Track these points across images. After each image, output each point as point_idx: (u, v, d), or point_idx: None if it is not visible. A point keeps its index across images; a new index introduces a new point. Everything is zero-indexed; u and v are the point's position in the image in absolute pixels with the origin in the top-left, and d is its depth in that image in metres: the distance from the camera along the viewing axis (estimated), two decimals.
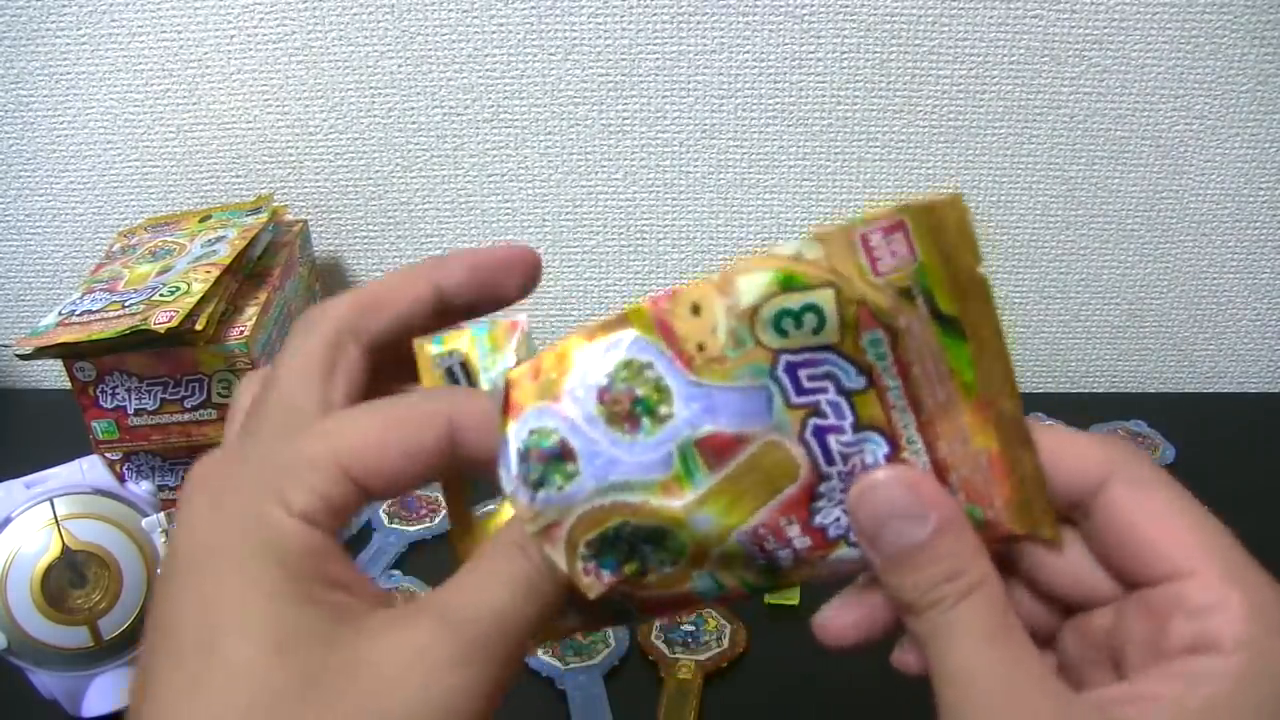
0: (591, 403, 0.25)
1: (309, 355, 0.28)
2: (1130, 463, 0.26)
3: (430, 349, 0.28)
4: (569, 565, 0.25)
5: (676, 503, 0.25)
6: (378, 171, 0.72)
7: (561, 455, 0.25)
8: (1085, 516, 0.26)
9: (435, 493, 0.64)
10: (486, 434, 0.26)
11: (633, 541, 0.25)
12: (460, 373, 0.28)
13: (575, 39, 0.68)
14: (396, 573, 0.58)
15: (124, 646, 0.48)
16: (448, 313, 0.30)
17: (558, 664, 0.51)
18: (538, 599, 0.25)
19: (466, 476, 0.29)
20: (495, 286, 0.30)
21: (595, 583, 0.25)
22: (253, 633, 0.23)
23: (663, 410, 0.25)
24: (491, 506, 0.29)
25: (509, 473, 0.25)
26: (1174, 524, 0.25)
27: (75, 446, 0.55)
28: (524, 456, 0.25)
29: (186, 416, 0.59)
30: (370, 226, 0.74)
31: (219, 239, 0.63)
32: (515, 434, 0.25)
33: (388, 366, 0.29)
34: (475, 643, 0.24)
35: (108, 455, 0.59)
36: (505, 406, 0.26)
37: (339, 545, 0.25)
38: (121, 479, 0.51)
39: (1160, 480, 0.26)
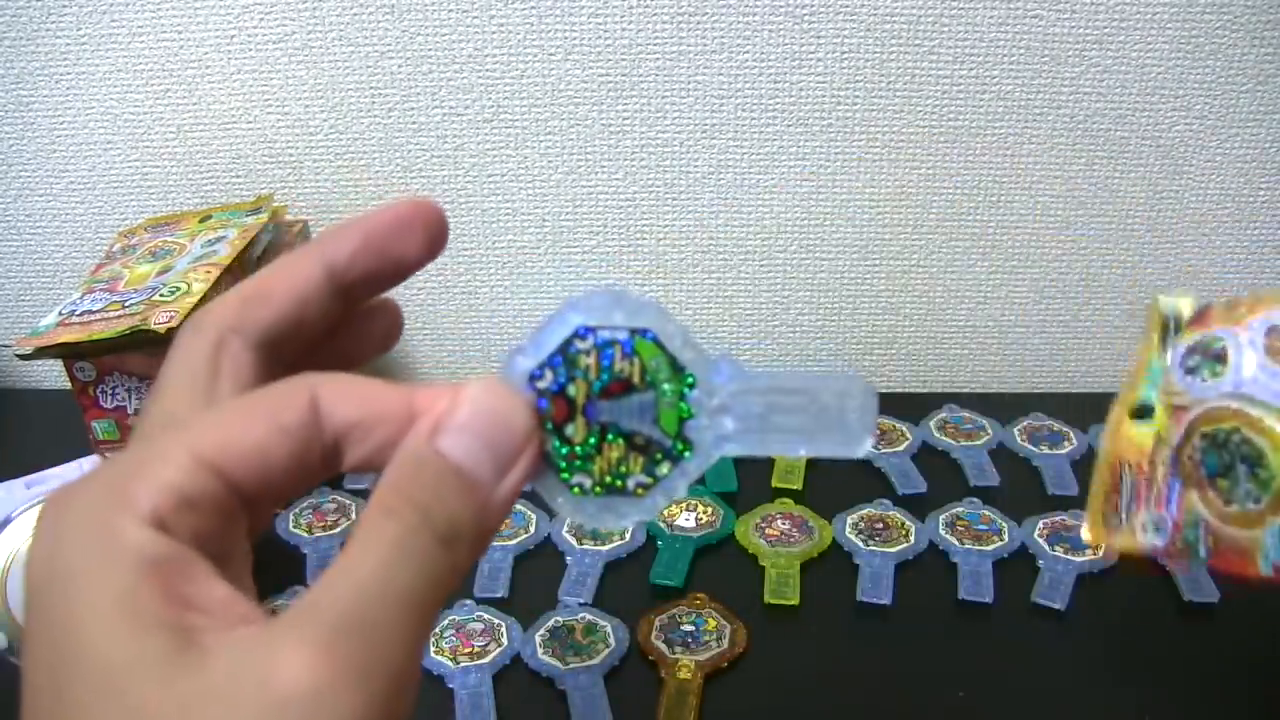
0: (1260, 337, 0.32)
1: (191, 361, 0.26)
2: None
3: (1164, 302, 0.34)
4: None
5: None
6: (378, 171, 0.72)
7: (1219, 358, 0.32)
8: None
9: None
10: (350, 402, 0.24)
11: (1234, 455, 0.31)
12: (1172, 327, 0.34)
13: (575, 39, 0.68)
14: None
15: None
16: (347, 290, 0.28)
17: (558, 664, 0.51)
18: (413, 559, 0.22)
19: (337, 464, 0.25)
20: (393, 251, 0.28)
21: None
22: (76, 677, 0.20)
23: None
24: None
25: (1174, 360, 0.33)
26: None
27: (75, 446, 0.55)
28: (1191, 350, 0.32)
29: None
30: None
31: (219, 239, 0.63)
32: (1193, 335, 0.33)
33: (302, 361, 0.27)
34: (335, 632, 0.20)
35: (108, 455, 0.59)
36: (1198, 320, 0.33)
37: (200, 554, 0.22)
38: None
39: None
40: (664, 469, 0.27)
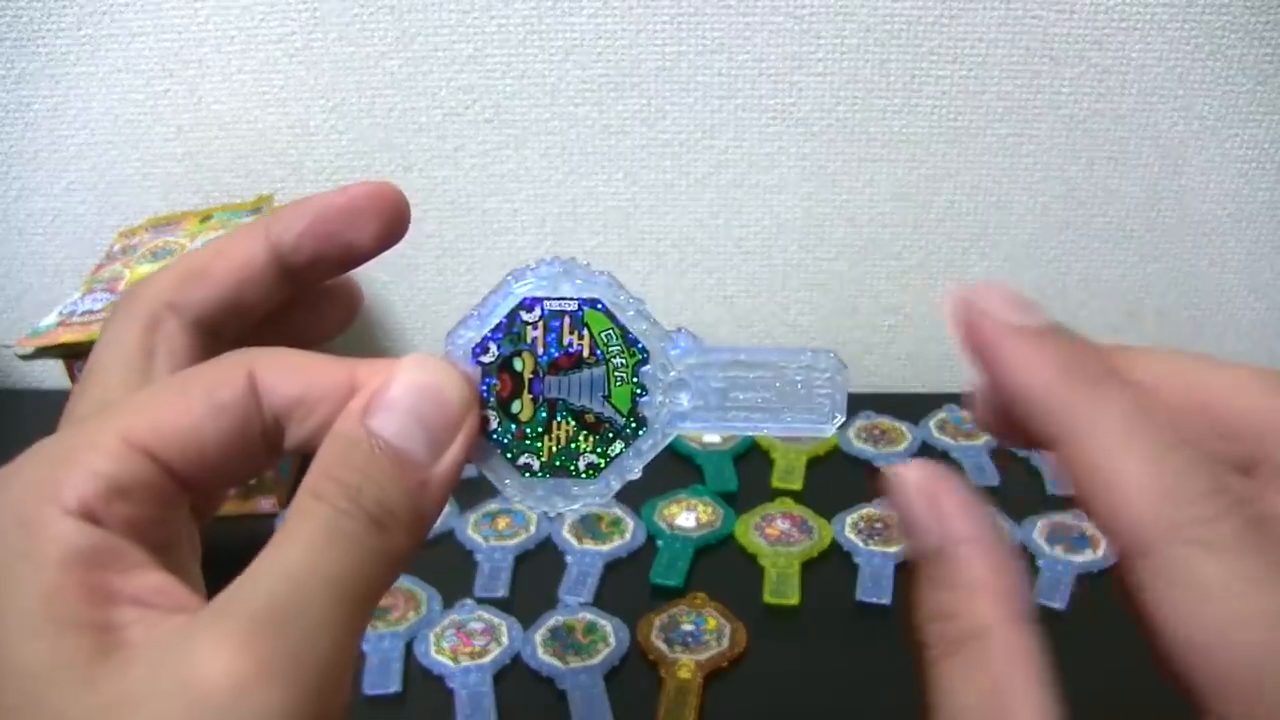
0: None
1: (123, 340, 0.25)
2: None
3: None
4: None
5: None
6: (378, 172, 0.72)
7: None
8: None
9: None
10: (290, 378, 0.23)
11: None
12: None
13: (575, 39, 0.68)
14: None
15: None
16: (293, 272, 0.26)
17: (558, 664, 0.51)
18: (343, 544, 0.21)
19: (280, 444, 0.24)
20: (341, 237, 0.27)
21: None
22: None
23: None
24: None
25: None
26: None
27: None
28: None
29: None
30: None
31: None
32: None
33: (247, 340, 0.25)
34: (256, 624, 0.19)
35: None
36: None
37: (133, 544, 0.21)
38: None
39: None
40: (616, 448, 0.25)
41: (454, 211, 0.73)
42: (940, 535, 0.22)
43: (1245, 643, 0.19)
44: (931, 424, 0.70)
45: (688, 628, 0.53)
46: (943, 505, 0.22)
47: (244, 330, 0.27)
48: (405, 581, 0.57)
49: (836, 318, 0.76)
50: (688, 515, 0.61)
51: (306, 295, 0.29)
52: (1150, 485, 0.20)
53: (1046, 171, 0.71)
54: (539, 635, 0.53)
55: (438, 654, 0.52)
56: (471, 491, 0.65)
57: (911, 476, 0.23)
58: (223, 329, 0.26)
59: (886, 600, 0.55)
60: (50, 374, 0.74)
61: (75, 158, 0.72)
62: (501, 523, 0.61)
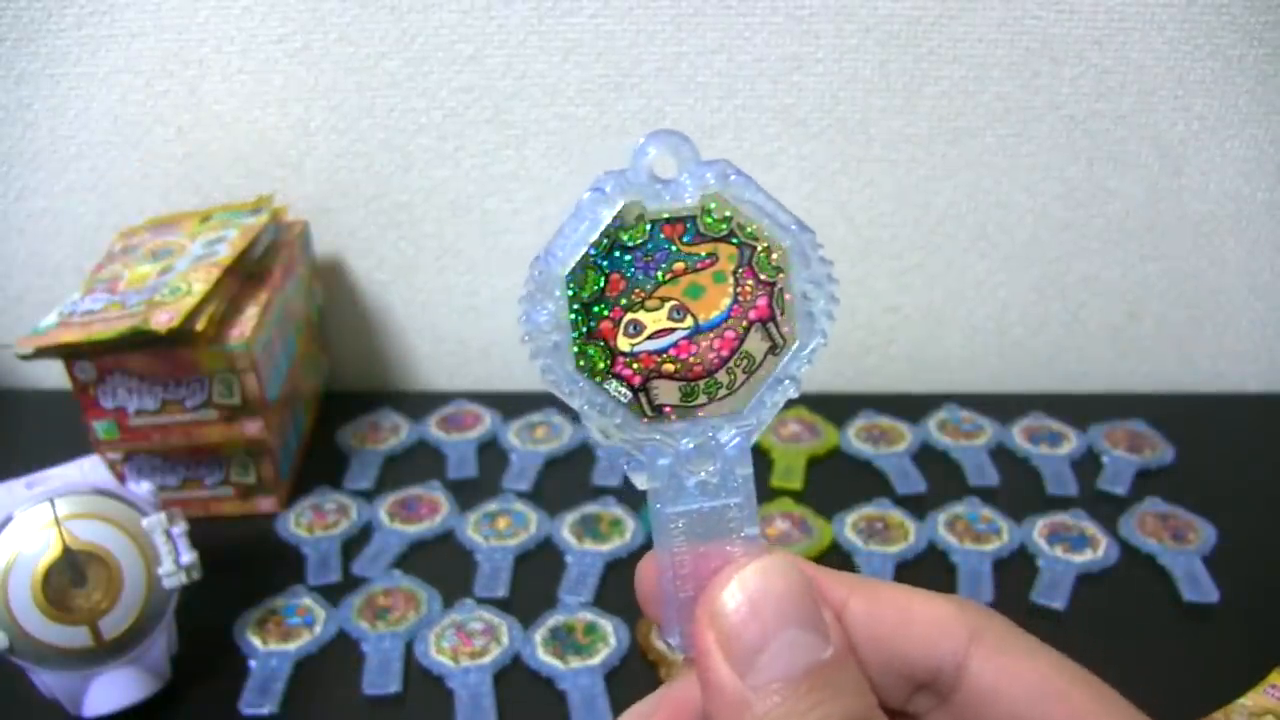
0: None
1: None
2: (994, 624, 0.23)
3: None
4: None
5: None
6: (378, 172, 0.72)
7: None
8: (944, 698, 0.23)
9: (436, 492, 0.64)
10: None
11: None
12: None
13: (575, 39, 0.68)
14: (397, 571, 0.58)
15: (124, 646, 0.48)
16: None
17: (558, 664, 0.51)
18: None
19: None
20: None
21: None
22: None
23: None
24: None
25: None
26: (1071, 691, 0.22)
27: (75, 446, 0.55)
28: None
29: (187, 416, 0.59)
30: (370, 226, 0.74)
31: (219, 239, 0.63)
32: None
33: None
34: None
35: (108, 455, 0.59)
36: None
37: None
38: (121, 479, 0.51)
39: (1032, 641, 0.23)
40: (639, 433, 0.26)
41: (454, 211, 0.73)
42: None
43: None
44: (931, 424, 0.70)
45: None
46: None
47: None
48: (405, 581, 0.57)
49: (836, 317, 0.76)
50: None
51: None
52: None
53: (1046, 171, 0.71)
54: (539, 635, 0.53)
55: (438, 654, 0.52)
56: (471, 491, 0.65)
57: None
58: None
59: None
60: (50, 374, 0.74)
61: (75, 158, 0.72)
62: (501, 523, 0.61)
